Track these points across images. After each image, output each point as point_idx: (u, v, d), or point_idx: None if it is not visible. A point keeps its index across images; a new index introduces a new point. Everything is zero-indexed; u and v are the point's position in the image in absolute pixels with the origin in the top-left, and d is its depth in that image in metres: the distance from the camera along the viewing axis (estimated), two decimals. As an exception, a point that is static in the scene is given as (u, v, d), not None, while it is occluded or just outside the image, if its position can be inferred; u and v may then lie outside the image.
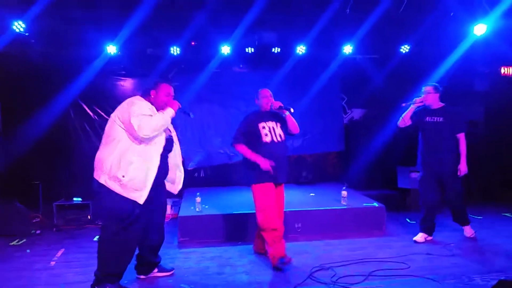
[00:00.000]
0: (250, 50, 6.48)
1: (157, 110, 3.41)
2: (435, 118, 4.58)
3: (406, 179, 6.26)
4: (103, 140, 3.33)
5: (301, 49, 6.37)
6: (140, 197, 3.26)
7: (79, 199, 5.66)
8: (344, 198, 5.22)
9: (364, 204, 5.25)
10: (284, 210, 4.35)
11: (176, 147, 3.74)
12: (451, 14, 5.59)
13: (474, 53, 6.26)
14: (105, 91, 6.61)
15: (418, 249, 4.39)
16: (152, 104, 3.42)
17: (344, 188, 5.32)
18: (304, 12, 5.60)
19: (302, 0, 5.37)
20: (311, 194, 6.04)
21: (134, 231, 3.36)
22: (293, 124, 4.13)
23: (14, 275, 3.89)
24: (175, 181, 3.79)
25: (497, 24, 5.51)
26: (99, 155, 3.28)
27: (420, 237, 4.66)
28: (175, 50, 6.18)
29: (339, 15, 5.64)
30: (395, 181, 6.49)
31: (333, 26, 5.87)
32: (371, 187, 6.44)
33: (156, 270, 3.85)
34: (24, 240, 5.02)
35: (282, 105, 4.08)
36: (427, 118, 4.63)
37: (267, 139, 4.02)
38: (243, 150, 4.03)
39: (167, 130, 3.58)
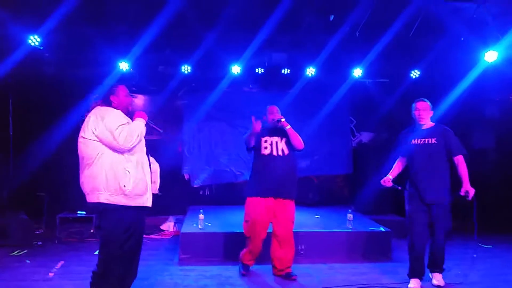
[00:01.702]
0: (260, 70, 6.55)
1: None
2: (426, 139, 3.92)
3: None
4: (82, 164, 3.09)
5: (310, 71, 6.41)
6: (147, 200, 3.19)
7: (83, 212, 5.67)
8: (349, 221, 5.13)
9: (370, 228, 5.15)
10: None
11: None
12: (462, 39, 5.58)
13: (485, 80, 6.21)
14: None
15: (424, 276, 4.25)
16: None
17: (350, 211, 5.23)
18: (314, 34, 5.66)
19: (312, 22, 5.42)
20: (316, 216, 5.95)
21: (135, 245, 3.23)
22: (295, 138, 4.16)
23: (11, 285, 3.86)
24: (155, 179, 3.62)
25: (508, 51, 5.49)
26: (87, 178, 3.05)
27: (414, 283, 3.90)
28: (186, 69, 6.27)
29: (349, 38, 5.69)
30: (403, 206, 6.35)
31: (343, 49, 5.91)
32: (378, 212, 6.32)
33: None
34: (25, 251, 5.00)
35: (277, 117, 4.14)
36: (414, 140, 3.98)
37: (266, 151, 4.15)
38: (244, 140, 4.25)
39: None
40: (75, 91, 6.30)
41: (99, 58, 5.97)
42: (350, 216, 5.14)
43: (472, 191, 3.82)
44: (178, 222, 6.01)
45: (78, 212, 5.66)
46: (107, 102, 3.25)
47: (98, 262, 3.14)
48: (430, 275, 4.00)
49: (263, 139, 4.20)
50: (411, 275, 3.95)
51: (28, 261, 4.60)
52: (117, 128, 2.99)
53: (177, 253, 4.89)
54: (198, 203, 6.54)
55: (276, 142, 4.18)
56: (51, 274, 4.18)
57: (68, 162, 6.40)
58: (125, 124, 3.09)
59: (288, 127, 4.14)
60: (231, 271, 4.37)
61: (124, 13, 5.21)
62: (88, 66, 6.15)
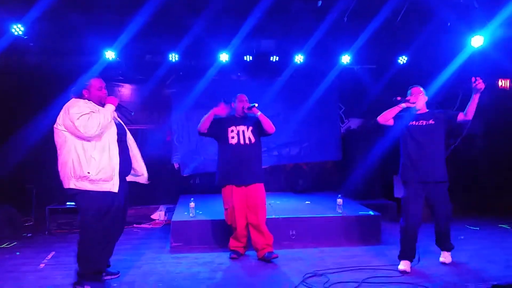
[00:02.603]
0: (248, 58, 6.52)
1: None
2: (424, 121, 4.05)
3: (402, 189, 6.20)
4: (58, 152, 3.37)
5: (299, 58, 6.40)
6: (113, 186, 3.36)
7: (72, 203, 5.61)
8: (339, 206, 5.18)
9: (360, 213, 5.21)
10: (278, 216, 4.39)
11: (130, 136, 3.81)
12: (448, 24, 5.60)
13: (472, 65, 6.26)
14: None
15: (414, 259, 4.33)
16: (89, 101, 3.47)
17: (339, 196, 5.28)
18: (302, 20, 5.63)
19: (300, 7, 5.38)
20: (307, 202, 5.99)
21: (111, 226, 3.46)
22: (267, 123, 4.28)
23: (1, 277, 3.83)
24: (141, 170, 3.87)
25: (494, 36, 5.53)
26: (59, 166, 3.34)
27: (405, 265, 3.96)
28: (173, 57, 6.20)
29: (337, 25, 5.67)
30: (392, 191, 6.45)
31: (331, 35, 5.90)
32: (367, 197, 6.39)
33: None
34: (15, 243, 4.97)
35: (249, 104, 4.27)
36: (412, 122, 4.08)
37: (233, 141, 4.28)
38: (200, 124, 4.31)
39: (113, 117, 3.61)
40: (61, 80, 6.20)
41: (85, 47, 5.87)
42: (339, 201, 5.19)
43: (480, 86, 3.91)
44: (169, 211, 6.00)
45: (67, 203, 5.61)
46: (79, 96, 3.48)
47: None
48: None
49: (229, 128, 4.31)
50: (402, 257, 4.02)
51: (18, 253, 4.57)
52: (78, 118, 3.23)
53: (168, 242, 4.90)
54: (189, 192, 6.54)
55: (243, 131, 4.30)
56: (42, 265, 4.16)
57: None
58: (87, 113, 3.28)
59: (259, 113, 4.25)
60: (223, 258, 4.40)
61: (110, 1, 5.12)
62: (74, 55, 6.05)
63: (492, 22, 5.32)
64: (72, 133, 3.26)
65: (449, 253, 4.20)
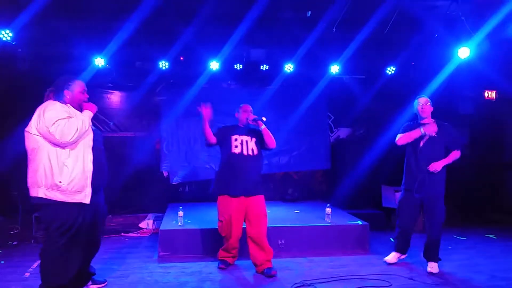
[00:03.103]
0: (238, 66, 6.53)
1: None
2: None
3: (390, 199, 6.26)
4: (28, 158, 3.10)
5: (289, 67, 6.43)
6: (85, 197, 3.13)
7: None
8: (328, 216, 5.19)
9: (348, 222, 5.22)
10: (268, 226, 4.34)
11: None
12: (436, 35, 5.70)
13: (459, 76, 6.37)
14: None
15: (401, 267, 4.35)
16: (67, 104, 3.21)
17: (328, 205, 5.29)
18: (292, 30, 5.67)
19: (289, 17, 5.43)
20: (296, 211, 6.00)
21: (80, 239, 3.20)
22: (269, 138, 4.22)
23: (-15, 286, 3.76)
24: None
25: (480, 48, 5.63)
26: (29, 172, 3.09)
27: (392, 257, 4.44)
28: (163, 65, 6.19)
29: (326, 35, 5.73)
30: (380, 200, 6.49)
31: (320, 45, 5.95)
32: (356, 206, 6.41)
33: (90, 283, 3.74)
34: (0, 251, 4.88)
35: (256, 116, 4.21)
36: None
37: (237, 150, 4.18)
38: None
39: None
40: (49, 87, 6.15)
41: (74, 53, 5.83)
42: (328, 210, 5.20)
43: (435, 166, 4.13)
44: (157, 220, 5.95)
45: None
46: (59, 96, 3.20)
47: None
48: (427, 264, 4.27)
49: (233, 137, 4.23)
50: (395, 249, 4.47)
51: (2, 262, 4.49)
52: (54, 123, 2.98)
53: (156, 251, 4.86)
54: (178, 200, 6.50)
55: (246, 142, 4.24)
56: (27, 274, 4.09)
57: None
58: (64, 118, 3.03)
59: (264, 127, 4.19)
60: (211, 268, 4.37)
61: (100, 7, 5.10)
62: (63, 61, 5.99)
63: (478, 34, 5.42)
64: (46, 139, 3.01)
65: (436, 263, 4.23)
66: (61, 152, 3.05)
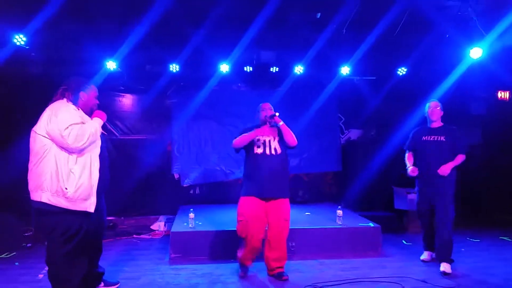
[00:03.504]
0: (248, 69, 6.55)
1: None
2: (436, 137, 4.38)
3: (402, 201, 6.20)
4: (31, 159, 2.97)
5: (299, 69, 6.43)
6: (90, 206, 3.03)
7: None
8: (339, 218, 5.16)
9: (360, 224, 5.19)
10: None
11: None
12: (447, 36, 5.65)
13: (471, 77, 6.31)
14: (104, 106, 6.54)
15: (413, 270, 4.31)
16: (79, 107, 3.14)
17: (339, 207, 5.27)
18: (301, 32, 5.68)
19: (299, 19, 5.44)
20: (307, 213, 5.98)
21: (84, 246, 3.10)
22: (288, 134, 4.09)
23: None
24: None
25: (492, 48, 5.57)
26: (33, 175, 2.95)
27: (426, 255, 4.64)
28: (174, 68, 6.23)
29: (336, 36, 5.72)
30: (392, 202, 6.44)
31: (330, 46, 5.94)
32: (367, 208, 6.38)
33: (102, 284, 3.77)
34: (14, 253, 4.95)
35: (273, 112, 4.13)
36: (425, 137, 4.44)
37: (259, 150, 4.09)
38: (238, 140, 4.12)
39: None
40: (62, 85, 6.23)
41: (86, 57, 5.90)
42: (339, 212, 5.18)
43: (443, 170, 4.25)
44: (169, 222, 5.99)
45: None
46: (74, 97, 3.12)
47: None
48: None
49: (256, 138, 4.13)
50: (424, 248, 4.67)
51: (17, 264, 4.55)
52: (67, 127, 2.87)
53: (167, 253, 4.88)
54: (189, 203, 6.52)
55: (269, 141, 4.12)
56: (40, 276, 4.14)
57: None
58: (78, 123, 2.95)
59: (281, 123, 4.09)
60: (222, 269, 4.38)
61: (111, 11, 5.17)
62: (75, 65, 6.06)
63: (490, 34, 5.37)
64: (55, 141, 2.89)
65: (449, 265, 4.23)
66: (69, 158, 2.94)
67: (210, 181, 6.87)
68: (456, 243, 5.02)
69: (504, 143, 7.20)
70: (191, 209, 5.10)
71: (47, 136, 2.91)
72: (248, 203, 4.03)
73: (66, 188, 2.88)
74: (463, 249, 5.09)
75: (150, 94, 6.56)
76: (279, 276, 4.07)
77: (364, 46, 5.90)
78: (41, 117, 2.99)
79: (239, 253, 4.20)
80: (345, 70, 6.47)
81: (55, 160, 2.90)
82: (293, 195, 7.00)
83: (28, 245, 5.20)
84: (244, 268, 4.22)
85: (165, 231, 6.01)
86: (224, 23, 5.47)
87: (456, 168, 4.33)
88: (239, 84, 7.02)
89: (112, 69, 5.98)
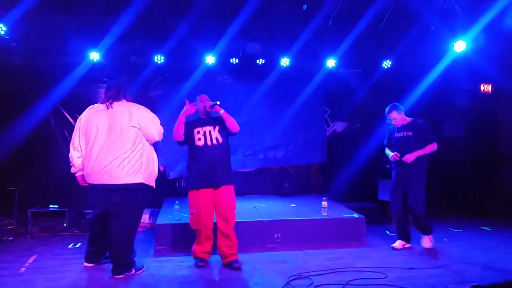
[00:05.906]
0: (234, 60, 6.52)
1: None
2: (404, 133, 4.76)
3: (386, 192, 6.23)
4: (124, 148, 3.67)
5: (285, 61, 6.43)
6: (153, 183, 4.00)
7: (56, 206, 5.55)
8: (324, 209, 5.20)
9: (344, 215, 5.24)
10: (263, 219, 4.32)
11: None
12: (432, 29, 5.70)
13: (455, 70, 6.38)
14: (87, 98, 6.50)
15: (396, 259, 4.37)
16: None
17: (324, 198, 5.30)
18: (288, 23, 5.68)
19: (285, 11, 5.43)
20: (292, 205, 6.00)
21: None
22: (231, 121, 4.13)
23: (-19, 281, 3.75)
24: None
25: (476, 41, 5.64)
26: (127, 160, 3.67)
27: (398, 244, 4.79)
28: (159, 59, 6.17)
29: (322, 29, 5.74)
30: (376, 193, 6.51)
31: (316, 39, 5.96)
32: (352, 199, 6.43)
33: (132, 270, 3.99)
34: (-5, 246, 4.87)
35: (212, 102, 4.12)
36: (396, 134, 4.84)
37: (200, 143, 4.13)
38: (174, 132, 4.17)
39: None
40: (44, 81, 6.12)
41: (69, 47, 5.80)
42: (324, 203, 5.21)
43: (408, 157, 4.62)
44: (154, 214, 5.95)
45: (50, 206, 5.54)
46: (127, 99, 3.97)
47: (115, 241, 3.77)
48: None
49: (196, 130, 4.16)
50: (398, 237, 4.85)
51: (-3, 257, 4.48)
52: (158, 124, 3.91)
53: (152, 245, 4.85)
54: (174, 195, 6.47)
55: (210, 132, 4.15)
56: (22, 269, 4.08)
57: (38, 155, 6.30)
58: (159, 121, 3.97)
59: (222, 111, 4.10)
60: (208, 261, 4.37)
61: (94, 1, 5.09)
62: (58, 56, 5.97)
63: (474, 28, 5.43)
64: (147, 132, 3.79)
65: (429, 237, 4.71)
66: (150, 148, 3.89)
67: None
68: (438, 233, 5.12)
69: (487, 135, 7.32)
70: (176, 202, 5.08)
71: (139, 127, 3.75)
72: (196, 196, 4.12)
73: (154, 170, 3.93)
74: (445, 239, 5.18)
75: (135, 85, 6.46)
76: (231, 264, 4.09)
77: (349, 38, 5.94)
78: (127, 112, 3.76)
79: (196, 249, 4.23)
80: (331, 62, 6.49)
81: (149, 147, 3.87)
82: (279, 187, 7.06)
83: (9, 238, 5.12)
84: (200, 260, 4.20)
85: (150, 224, 5.97)
86: (209, 13, 5.44)
87: (427, 157, 4.68)
88: (225, 76, 6.97)
89: (95, 60, 5.90)
